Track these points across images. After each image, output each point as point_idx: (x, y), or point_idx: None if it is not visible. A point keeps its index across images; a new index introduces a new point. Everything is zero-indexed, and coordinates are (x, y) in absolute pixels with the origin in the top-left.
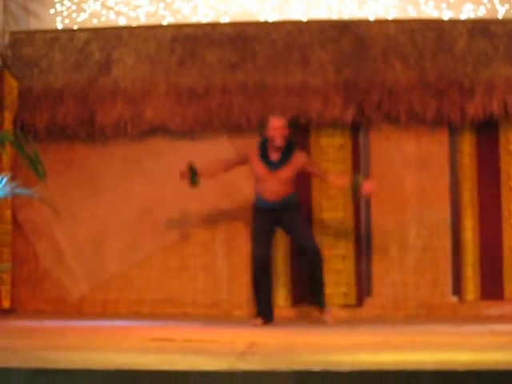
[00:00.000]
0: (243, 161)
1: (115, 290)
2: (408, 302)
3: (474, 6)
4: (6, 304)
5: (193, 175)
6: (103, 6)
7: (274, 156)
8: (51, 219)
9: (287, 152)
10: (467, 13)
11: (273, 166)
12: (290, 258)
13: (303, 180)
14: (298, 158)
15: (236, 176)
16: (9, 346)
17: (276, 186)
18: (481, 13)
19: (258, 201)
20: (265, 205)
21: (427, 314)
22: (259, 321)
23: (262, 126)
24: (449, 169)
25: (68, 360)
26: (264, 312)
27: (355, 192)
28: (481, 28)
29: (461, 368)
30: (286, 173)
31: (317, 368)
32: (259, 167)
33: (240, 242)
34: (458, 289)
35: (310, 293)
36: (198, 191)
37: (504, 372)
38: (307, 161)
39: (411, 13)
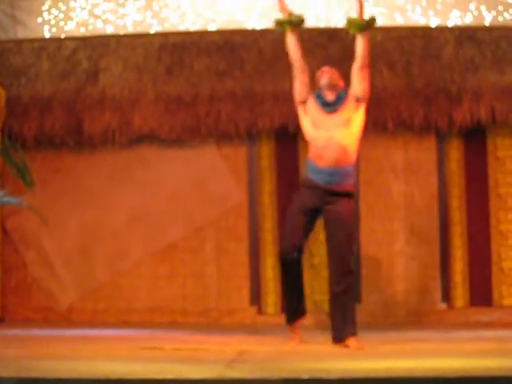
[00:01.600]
0: (306, 81)
1: (104, 298)
2: (397, 309)
3: (461, 13)
4: None
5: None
6: (91, 14)
7: (329, 96)
8: (39, 227)
9: (343, 94)
10: (454, 20)
11: (328, 107)
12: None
13: (291, 187)
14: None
15: (225, 182)
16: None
17: (337, 138)
18: (468, 20)
19: (307, 170)
20: (316, 172)
21: (416, 320)
22: (296, 339)
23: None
24: (437, 176)
25: (57, 369)
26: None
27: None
28: (468, 35)
29: (450, 375)
30: (346, 113)
31: (306, 376)
32: (313, 107)
33: (229, 248)
34: (446, 295)
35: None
36: (186, 197)
37: (493, 378)
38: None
39: (398, 20)
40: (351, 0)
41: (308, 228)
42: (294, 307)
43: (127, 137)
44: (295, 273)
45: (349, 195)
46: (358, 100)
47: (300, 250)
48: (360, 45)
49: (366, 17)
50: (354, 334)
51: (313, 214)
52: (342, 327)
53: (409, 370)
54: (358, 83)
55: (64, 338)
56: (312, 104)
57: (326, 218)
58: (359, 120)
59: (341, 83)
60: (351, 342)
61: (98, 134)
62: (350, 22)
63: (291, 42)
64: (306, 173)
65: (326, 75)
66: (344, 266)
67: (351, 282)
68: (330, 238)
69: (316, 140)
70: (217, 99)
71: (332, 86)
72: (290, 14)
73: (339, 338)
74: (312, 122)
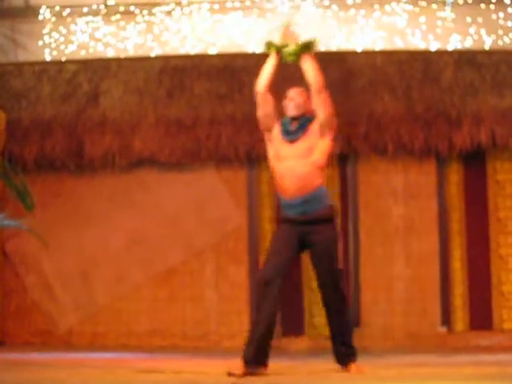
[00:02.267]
0: (269, 112)
1: (104, 321)
2: (396, 332)
3: (460, 36)
4: None
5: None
6: (91, 37)
7: (293, 126)
8: (39, 250)
9: (305, 122)
10: (454, 44)
11: (290, 135)
12: None
13: None
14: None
15: (225, 205)
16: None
17: (296, 168)
18: (468, 44)
19: (280, 204)
20: (286, 206)
21: (416, 344)
22: (240, 370)
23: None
24: (437, 199)
25: None
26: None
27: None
28: (468, 59)
29: None
30: (308, 141)
31: None
32: (277, 136)
33: (229, 272)
34: (446, 319)
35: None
36: (186, 221)
37: None
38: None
39: (398, 44)
40: (352, 22)
41: (289, 262)
42: (255, 348)
43: (127, 160)
44: (269, 303)
45: (326, 220)
46: (321, 126)
47: (278, 282)
48: (306, 70)
49: (303, 41)
50: (354, 359)
51: (294, 248)
52: (342, 353)
53: None
54: (319, 109)
55: (63, 361)
56: (277, 132)
57: (310, 249)
58: (324, 146)
59: (308, 106)
60: (351, 367)
61: (98, 157)
62: (284, 52)
63: (269, 68)
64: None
65: (290, 106)
66: (337, 294)
67: (347, 308)
68: (317, 270)
69: (277, 172)
70: (217, 123)
71: (296, 117)
72: (293, 43)
73: (340, 363)
74: (274, 152)
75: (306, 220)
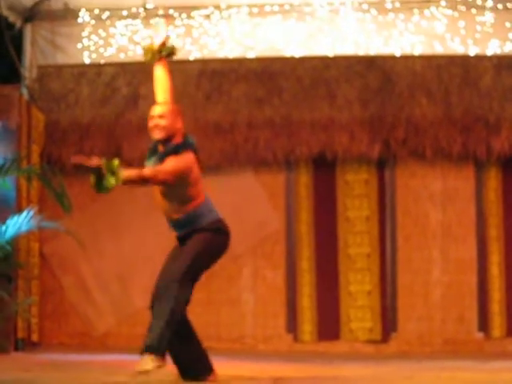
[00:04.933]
0: None
1: (141, 324)
2: (433, 338)
3: (500, 41)
4: (35, 337)
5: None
6: (130, 40)
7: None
8: (77, 252)
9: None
10: (493, 49)
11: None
12: (315, 292)
13: (328, 215)
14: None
15: (262, 209)
16: (35, 380)
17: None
18: (507, 49)
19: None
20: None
21: (453, 350)
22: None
23: None
24: (475, 204)
25: None
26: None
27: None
28: (507, 63)
29: None
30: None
31: None
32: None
33: (266, 275)
34: (484, 325)
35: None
36: None
37: None
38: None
39: (437, 48)
40: (391, 27)
41: None
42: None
43: None
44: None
45: (203, 229)
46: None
47: None
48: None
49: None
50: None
51: None
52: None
53: None
54: None
55: (100, 362)
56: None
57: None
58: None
59: (166, 124)
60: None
61: (136, 160)
62: (145, 48)
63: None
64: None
65: (154, 131)
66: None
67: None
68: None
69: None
70: (255, 126)
71: (160, 141)
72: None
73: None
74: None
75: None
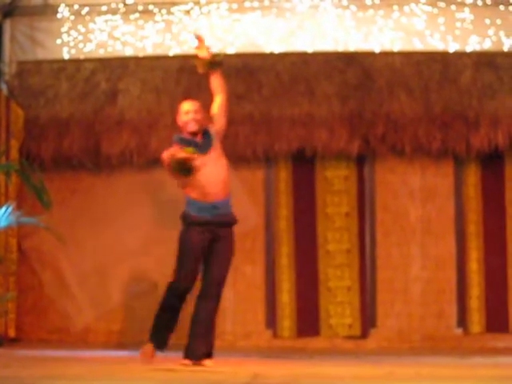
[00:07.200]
0: None
1: (119, 319)
2: (413, 334)
3: (479, 38)
4: (12, 333)
5: None
6: (110, 36)
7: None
8: (56, 248)
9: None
10: (473, 45)
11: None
12: (294, 288)
13: (308, 211)
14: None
15: (242, 205)
16: (14, 375)
17: (213, 174)
18: (486, 45)
19: (191, 208)
20: (201, 209)
21: (432, 346)
22: (150, 348)
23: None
24: (454, 201)
25: None
26: (159, 340)
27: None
28: (486, 60)
29: None
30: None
31: None
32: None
33: (246, 271)
34: (463, 321)
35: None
36: None
37: None
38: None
39: (417, 45)
40: (370, 23)
41: (200, 266)
42: (163, 336)
43: (144, 159)
44: (179, 304)
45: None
46: (217, 133)
47: (191, 286)
48: (215, 82)
49: (212, 53)
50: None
51: (203, 252)
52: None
53: None
54: (221, 118)
55: (79, 358)
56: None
57: (213, 253)
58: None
59: (200, 117)
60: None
61: (115, 156)
62: (198, 61)
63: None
64: (190, 211)
65: (190, 122)
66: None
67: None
68: (212, 266)
69: (198, 179)
70: (235, 122)
71: (195, 133)
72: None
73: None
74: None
75: (221, 221)
